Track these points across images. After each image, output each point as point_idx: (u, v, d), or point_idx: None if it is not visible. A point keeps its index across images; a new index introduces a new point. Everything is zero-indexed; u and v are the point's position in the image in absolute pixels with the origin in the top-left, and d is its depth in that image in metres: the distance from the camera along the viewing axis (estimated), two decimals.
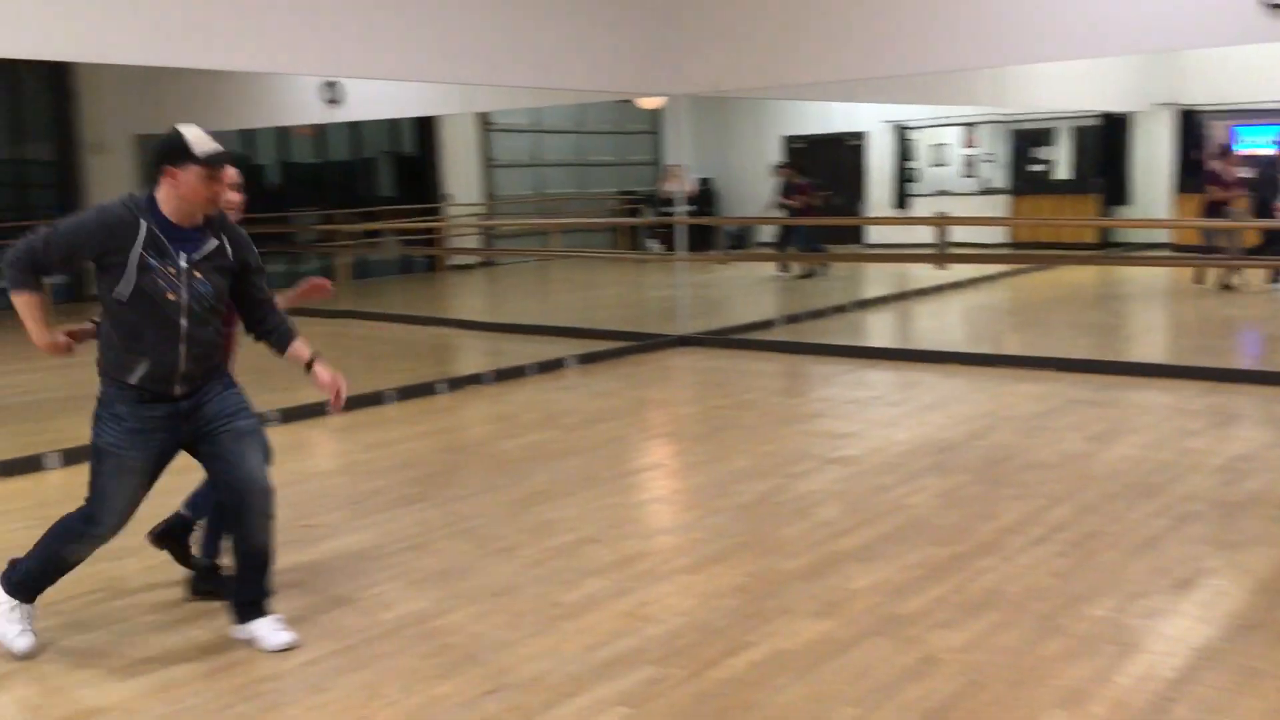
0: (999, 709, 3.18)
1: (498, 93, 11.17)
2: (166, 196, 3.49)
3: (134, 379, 3.53)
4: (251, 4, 7.10)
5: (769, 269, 15.41)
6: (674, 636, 3.72)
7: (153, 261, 3.45)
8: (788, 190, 14.73)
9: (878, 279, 14.63)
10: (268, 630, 3.72)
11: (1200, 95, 16.26)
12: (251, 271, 3.73)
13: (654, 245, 18.32)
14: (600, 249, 18.27)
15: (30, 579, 3.73)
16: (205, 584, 4.15)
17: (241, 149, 16.22)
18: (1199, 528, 4.69)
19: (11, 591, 3.72)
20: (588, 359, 9.32)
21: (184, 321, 3.52)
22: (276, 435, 6.94)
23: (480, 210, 18.00)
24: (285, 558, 4.58)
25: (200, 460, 3.72)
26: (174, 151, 3.46)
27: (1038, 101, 14.87)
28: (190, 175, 3.46)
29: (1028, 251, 16.19)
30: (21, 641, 3.67)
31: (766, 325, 10.97)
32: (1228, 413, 6.83)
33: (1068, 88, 14.13)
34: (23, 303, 3.52)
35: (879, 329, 11.65)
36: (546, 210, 18.59)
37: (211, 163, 3.48)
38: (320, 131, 16.50)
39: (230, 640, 3.75)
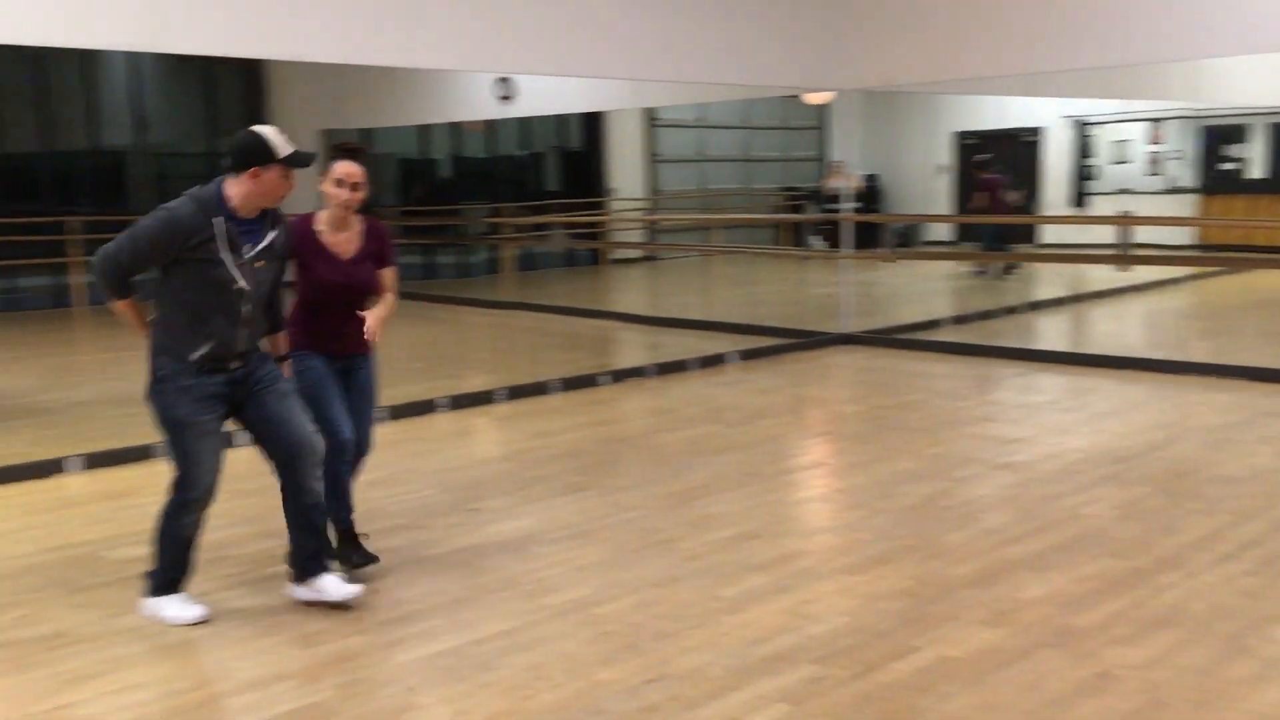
0: None
1: (664, 88, 11.23)
2: (241, 193, 3.72)
3: (195, 356, 3.75)
4: (430, 3, 7.33)
5: (940, 267, 15.03)
6: (836, 636, 3.68)
7: (223, 255, 3.69)
8: (978, 186, 14.34)
9: (1052, 280, 14.10)
10: (334, 583, 3.93)
11: None
12: (285, 261, 4.00)
13: (817, 242, 18.13)
14: (763, 245, 18.18)
15: (166, 573, 3.93)
16: (357, 556, 4.30)
17: (416, 144, 16.80)
18: None
19: (159, 593, 3.93)
20: (749, 355, 9.29)
21: (246, 307, 3.78)
22: (444, 421, 7.23)
23: (644, 205, 18.16)
24: (452, 540, 4.75)
25: (248, 425, 3.94)
26: (261, 153, 3.70)
27: (1233, 96, 14.03)
28: (273, 174, 3.72)
29: (1218, 254, 15.32)
30: (192, 611, 3.89)
31: (933, 325, 10.71)
32: None
33: (1267, 82, 13.28)
34: (120, 309, 3.83)
35: (1053, 332, 11.22)
36: (709, 205, 18.62)
37: (291, 163, 3.73)
38: (491, 127, 16.92)
39: (404, 616, 3.89)
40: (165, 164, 15.22)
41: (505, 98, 11.77)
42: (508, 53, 7.91)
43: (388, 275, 4.36)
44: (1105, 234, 12.62)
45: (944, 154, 19.49)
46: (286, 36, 6.78)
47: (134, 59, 14.06)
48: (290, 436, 3.88)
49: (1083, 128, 18.59)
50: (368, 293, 4.31)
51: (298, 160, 3.74)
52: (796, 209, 18.64)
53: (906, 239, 19.09)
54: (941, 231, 19.03)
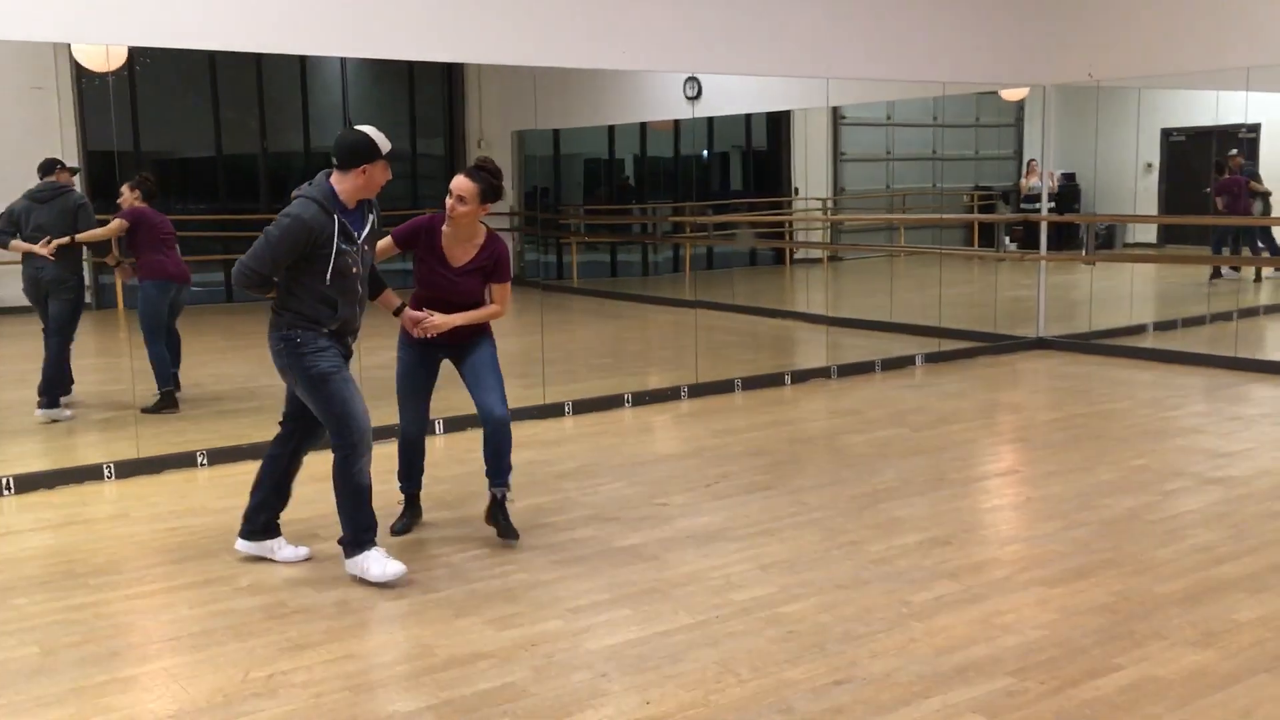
0: None
1: (854, 86, 11.08)
2: (349, 188, 4.12)
3: (325, 330, 4.17)
4: (619, 5, 7.46)
5: (1144, 270, 14.31)
6: (1032, 649, 3.57)
7: (344, 246, 4.11)
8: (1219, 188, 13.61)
9: (1267, 286, 13.22)
10: (379, 560, 4.19)
11: None
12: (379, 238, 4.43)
13: (1010, 244, 17.51)
14: (952, 246, 17.69)
15: (356, 531, 4.24)
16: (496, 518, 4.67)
17: (606, 144, 17.10)
18: None
19: (356, 550, 4.24)
20: (936, 358, 9.08)
21: (361, 289, 4.25)
22: (630, 417, 7.35)
23: (828, 204, 17.95)
24: (639, 533, 4.83)
25: None
26: (369, 151, 4.10)
27: None
28: (377, 169, 4.13)
29: None
30: (393, 567, 4.20)
31: (1137, 331, 10.21)
32: None
33: None
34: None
35: (1269, 340, 10.53)
36: (896, 205, 18.24)
37: (391, 157, 4.13)
38: (677, 126, 17.07)
39: (594, 604, 3.99)
40: None
41: (692, 97, 11.85)
42: (696, 53, 7.96)
43: (499, 290, 4.69)
44: None
45: (1150, 152, 18.50)
46: (481, 40, 7.03)
47: (343, 65, 14.82)
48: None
49: None
50: (470, 302, 4.63)
51: (395, 154, 4.15)
52: (988, 209, 18.06)
53: (1108, 241, 18.23)
54: (1145, 233, 18.08)
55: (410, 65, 14.45)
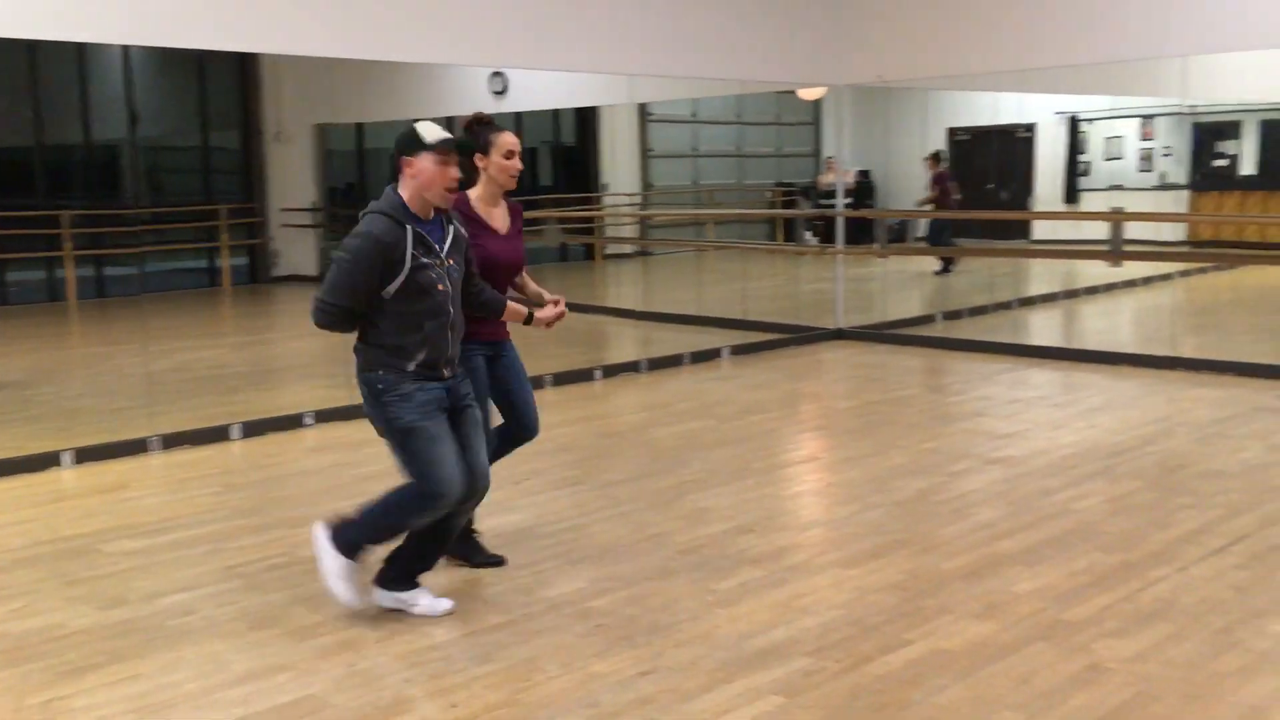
0: None
1: (658, 83, 11.23)
2: (408, 193, 3.70)
3: (412, 365, 3.70)
4: None
5: (928, 264, 15.07)
6: (829, 629, 3.70)
7: (423, 259, 3.66)
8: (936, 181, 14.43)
9: (1044, 276, 14.14)
10: (426, 598, 3.87)
11: None
12: (468, 255, 3.93)
13: (810, 238, 18.13)
14: (756, 241, 18.19)
15: (359, 544, 3.81)
16: (460, 548, 4.32)
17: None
18: None
19: (344, 552, 3.80)
20: (742, 350, 9.31)
21: (450, 309, 3.75)
22: None
23: (637, 200, 18.16)
24: None
25: None
26: (408, 144, 3.69)
27: (1224, 93, 14.07)
28: (425, 162, 3.67)
29: (1208, 250, 15.36)
30: (442, 605, 3.87)
31: (926, 321, 10.75)
32: None
33: (1257, 79, 13.32)
34: None
35: (1044, 327, 11.26)
36: (703, 201, 18.62)
37: (441, 148, 3.67)
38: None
39: (394, 610, 3.90)
40: (157, 157, 15.19)
41: (499, 92, 11.76)
42: (502, 47, 7.91)
43: None
44: (1098, 230, 12.65)
45: (939, 149, 19.49)
46: (278, 30, 6.77)
47: (126, 53, 14.02)
48: (470, 467, 3.81)
49: (1075, 124, 18.63)
50: (516, 270, 4.39)
51: (445, 145, 3.69)
52: (790, 205, 18.64)
53: (901, 235, 19.11)
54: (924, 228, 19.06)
55: (200, 54, 13.80)
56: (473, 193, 4.20)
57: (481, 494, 3.90)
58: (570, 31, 8.05)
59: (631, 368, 8.66)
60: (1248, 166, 17.61)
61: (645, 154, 18.28)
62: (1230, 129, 17.66)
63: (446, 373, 3.78)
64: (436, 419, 3.73)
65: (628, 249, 17.92)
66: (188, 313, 12.94)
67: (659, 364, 8.77)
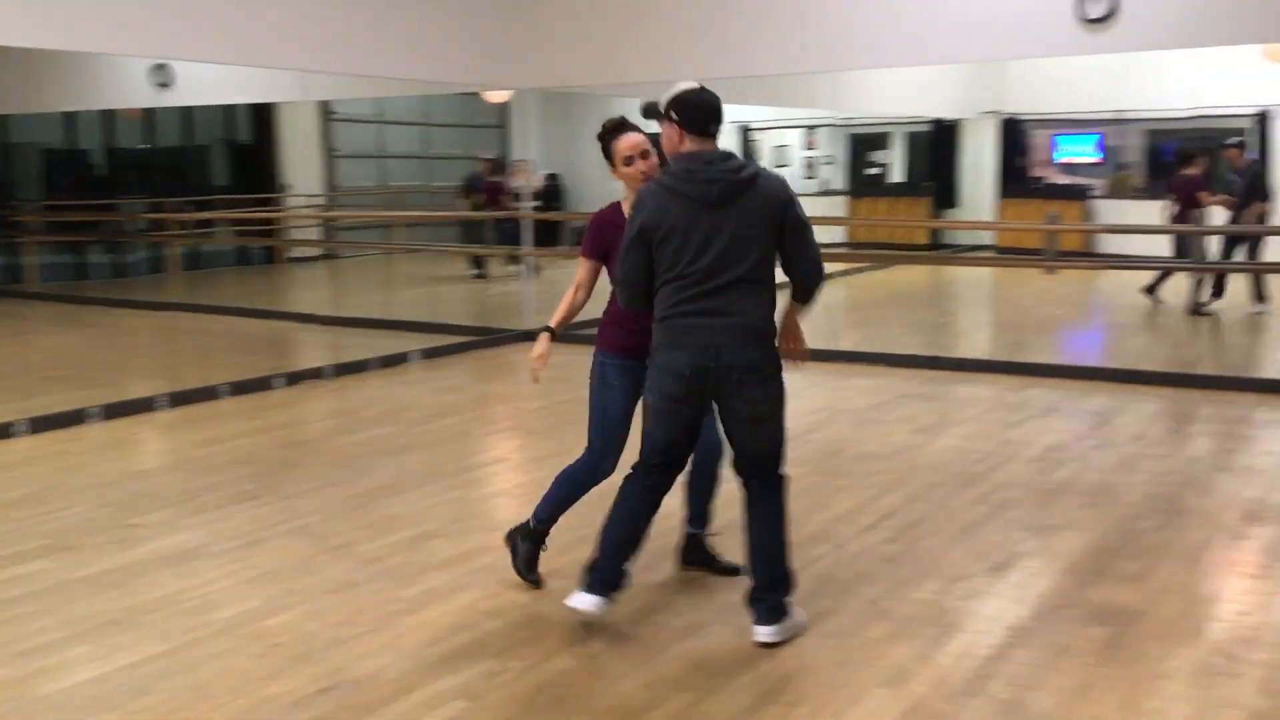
0: (827, 690, 3.29)
1: (338, 81, 10.90)
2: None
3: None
4: None
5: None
6: (515, 629, 3.72)
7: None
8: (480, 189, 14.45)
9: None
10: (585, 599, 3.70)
11: (1022, 104, 17.11)
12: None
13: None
14: (445, 243, 18.04)
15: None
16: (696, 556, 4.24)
17: (63, 132, 15.39)
18: (1016, 514, 4.94)
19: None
20: (432, 354, 9.21)
21: None
22: (97, 432, 6.69)
23: (321, 201, 17.55)
24: (103, 560, 4.42)
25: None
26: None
27: (873, 107, 15.38)
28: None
29: (865, 251, 16.73)
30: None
31: None
32: (1044, 405, 7.22)
33: (902, 94, 14.66)
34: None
35: None
36: (391, 203, 18.25)
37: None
38: (149, 116, 15.78)
39: (46, 645, 3.57)
40: None
41: (163, 85, 11.01)
42: (162, 37, 7.39)
43: None
44: None
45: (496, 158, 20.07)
46: None
47: None
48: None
49: (747, 133, 19.76)
50: None
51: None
52: (479, 207, 18.59)
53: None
54: None
55: None
56: (622, 202, 3.98)
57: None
58: (239, 23, 7.64)
59: (315, 374, 8.36)
60: (897, 174, 19.35)
61: (330, 154, 17.71)
62: (881, 140, 19.33)
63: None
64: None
65: (312, 252, 17.29)
66: None
67: (346, 370, 8.51)
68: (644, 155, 3.85)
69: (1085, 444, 6.21)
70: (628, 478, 3.78)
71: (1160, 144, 16.41)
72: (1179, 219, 10.71)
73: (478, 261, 14.79)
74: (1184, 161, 10.97)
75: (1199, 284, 10.58)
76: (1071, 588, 4.06)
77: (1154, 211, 11.97)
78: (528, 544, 4.16)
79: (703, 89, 3.57)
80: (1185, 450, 6.04)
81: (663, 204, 3.47)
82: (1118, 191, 16.74)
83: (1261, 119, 14.81)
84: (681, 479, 3.95)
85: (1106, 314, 11.97)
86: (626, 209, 3.91)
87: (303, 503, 5.18)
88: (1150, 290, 11.35)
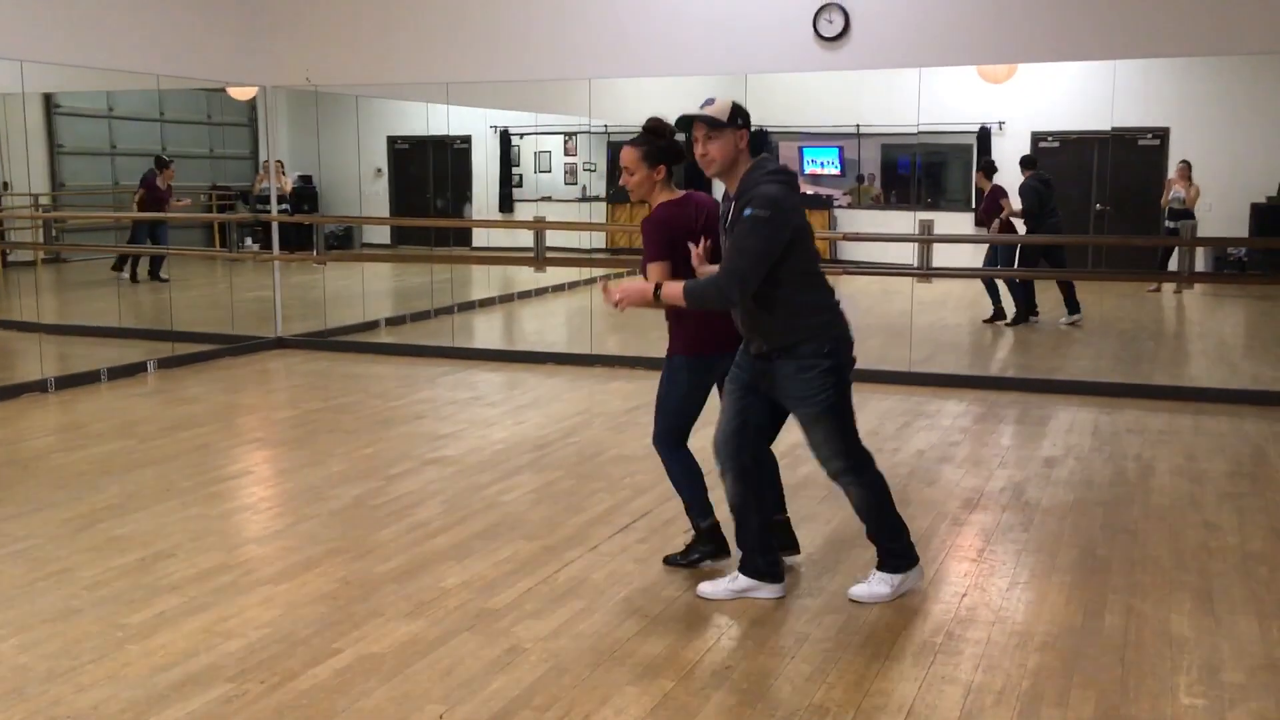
0: (578, 690, 3.30)
1: (58, 72, 10.12)
2: None
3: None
4: None
5: (378, 269, 15.12)
6: (254, 650, 3.55)
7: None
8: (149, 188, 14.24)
9: (482, 281, 14.79)
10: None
11: (770, 118, 17.85)
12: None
13: (251, 244, 17.39)
14: (187, 247, 17.07)
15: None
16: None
17: None
18: None
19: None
20: (171, 363, 8.70)
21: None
22: None
23: (45, 201, 16.23)
24: None
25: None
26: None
27: (626, 114, 15.66)
28: None
29: (621, 256, 16.99)
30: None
31: (371, 327, 10.77)
32: None
33: (664, 103, 14.97)
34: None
35: (484, 330, 11.78)
36: (126, 203, 17.10)
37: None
38: None
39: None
40: None
41: None
42: None
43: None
44: (529, 238, 13.48)
45: (379, 157, 19.64)
46: None
47: None
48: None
49: (507, 138, 19.72)
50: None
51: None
52: (227, 208, 17.74)
53: (345, 241, 18.97)
54: (381, 234, 19.16)
55: None
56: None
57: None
58: None
59: (37, 387, 7.72)
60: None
61: (55, 150, 16.42)
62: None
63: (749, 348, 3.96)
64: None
65: (31, 255, 15.96)
66: None
67: (70, 382, 7.91)
68: (629, 172, 4.15)
69: None
70: (876, 471, 3.99)
71: (895, 157, 17.51)
72: (987, 228, 11.03)
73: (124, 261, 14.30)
74: (986, 175, 11.54)
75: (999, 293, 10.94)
76: (810, 578, 4.25)
77: (889, 220, 12.72)
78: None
79: None
80: (913, 444, 6.45)
81: (796, 203, 3.77)
82: (860, 201, 17.72)
83: (981, 135, 16.05)
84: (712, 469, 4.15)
85: (847, 318, 12.63)
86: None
87: (15, 526, 4.77)
88: (1021, 314, 10.90)
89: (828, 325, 3.85)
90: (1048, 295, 11.06)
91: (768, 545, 4.03)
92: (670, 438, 4.28)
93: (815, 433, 3.88)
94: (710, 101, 3.79)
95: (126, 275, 13.86)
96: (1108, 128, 11.02)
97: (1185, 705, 3.24)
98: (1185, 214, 10.72)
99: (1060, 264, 10.72)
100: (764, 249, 3.64)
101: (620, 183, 4.20)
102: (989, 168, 11.70)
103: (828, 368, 3.80)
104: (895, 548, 4.02)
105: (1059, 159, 12.92)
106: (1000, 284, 11.02)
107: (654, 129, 4.16)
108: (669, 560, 4.35)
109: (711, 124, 3.75)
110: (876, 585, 3.99)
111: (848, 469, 3.92)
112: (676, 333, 4.24)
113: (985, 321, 10.94)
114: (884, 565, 4.02)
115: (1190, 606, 3.97)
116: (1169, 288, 11.83)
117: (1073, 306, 10.76)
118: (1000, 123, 14.88)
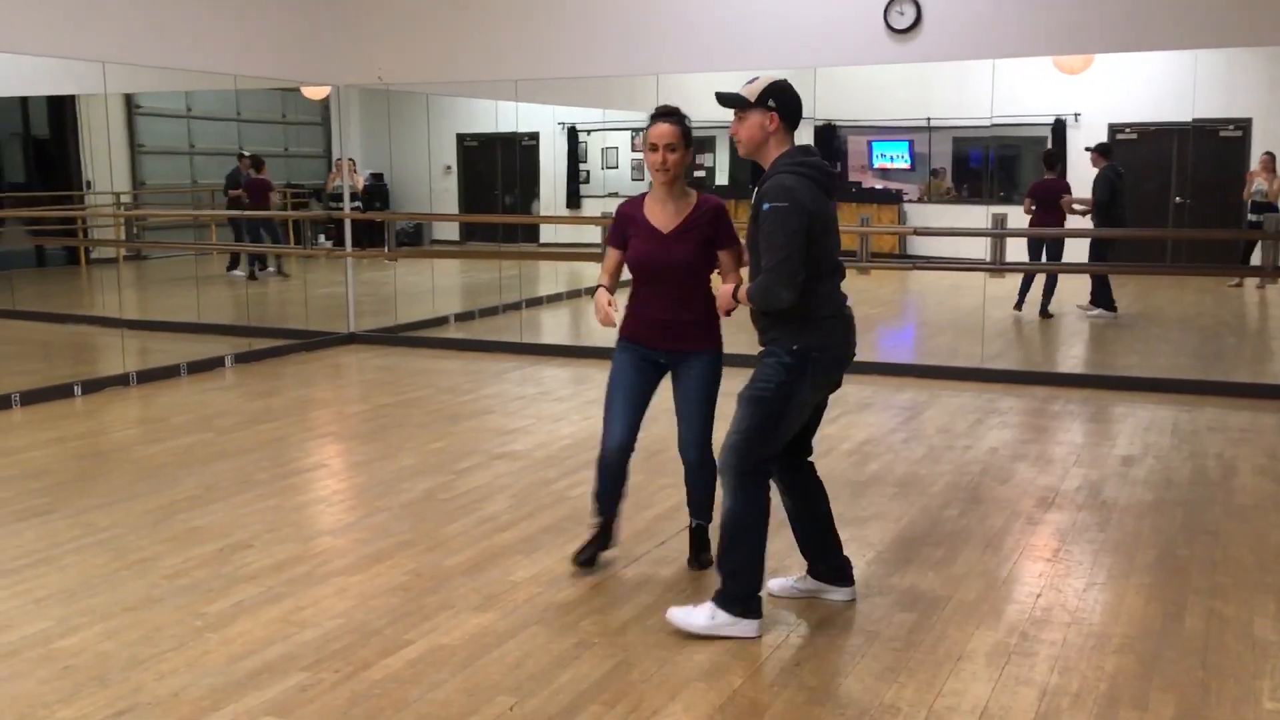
0: (647, 686, 3.31)
1: (141, 73, 10.37)
2: None
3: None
4: None
5: (449, 265, 15.28)
6: (328, 640, 3.61)
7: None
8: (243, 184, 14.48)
9: (550, 277, 14.87)
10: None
11: (838, 112, 17.70)
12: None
13: (323, 241, 17.69)
14: (263, 244, 17.41)
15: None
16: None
17: None
18: (835, 507, 5.07)
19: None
20: (247, 357, 8.88)
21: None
22: None
23: (128, 199, 16.67)
24: None
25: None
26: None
27: (700, 111, 15.62)
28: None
29: None
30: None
31: (439, 323, 10.88)
32: (858, 401, 7.46)
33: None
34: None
35: (552, 326, 11.84)
36: (205, 201, 17.49)
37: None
38: None
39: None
40: None
41: None
42: None
43: (724, 257, 3.95)
44: (598, 233, 13.52)
45: (448, 155, 19.84)
46: None
47: None
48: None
49: (575, 134, 19.80)
50: (684, 277, 3.86)
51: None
52: (300, 207, 18.05)
53: (415, 239, 19.20)
54: (450, 231, 19.36)
55: None
56: (654, 190, 4.01)
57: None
58: (30, 9, 7.19)
59: (120, 381, 7.93)
60: (721, 177, 19.74)
61: (135, 149, 16.84)
62: (707, 143, 19.66)
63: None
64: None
65: (113, 253, 16.40)
66: None
67: (152, 376, 8.12)
68: (670, 149, 3.88)
69: (895, 437, 6.46)
70: (765, 479, 3.69)
71: (966, 150, 17.25)
72: (1038, 223, 10.79)
73: (237, 260, 14.57)
74: (1048, 167, 11.33)
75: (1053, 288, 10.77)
76: (880, 576, 4.21)
77: (959, 214, 12.53)
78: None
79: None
80: (986, 441, 6.35)
81: (815, 193, 3.51)
82: (931, 196, 17.51)
83: (1056, 127, 15.75)
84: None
85: (918, 313, 12.50)
86: (649, 199, 4.02)
87: (100, 516, 4.91)
88: (1042, 310, 10.82)
89: (812, 333, 3.60)
90: (1078, 286, 10.84)
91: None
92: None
93: (738, 413, 3.65)
94: (754, 80, 3.65)
95: (241, 273, 14.11)
96: (1189, 119, 10.75)
97: (1269, 710, 3.15)
98: (1268, 207, 10.43)
99: (1103, 257, 10.51)
100: (791, 239, 3.45)
101: (660, 163, 3.91)
102: (1050, 158, 11.50)
103: (787, 364, 3.57)
104: (733, 588, 3.61)
105: (1137, 151, 12.63)
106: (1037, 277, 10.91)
107: (681, 113, 4.09)
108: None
109: (736, 103, 3.64)
110: (697, 614, 3.61)
111: (737, 469, 3.60)
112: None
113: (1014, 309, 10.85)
114: (718, 598, 3.62)
115: (1275, 609, 3.86)
116: (1251, 283, 11.50)
117: (1107, 302, 10.58)
118: (1076, 114, 14.59)
